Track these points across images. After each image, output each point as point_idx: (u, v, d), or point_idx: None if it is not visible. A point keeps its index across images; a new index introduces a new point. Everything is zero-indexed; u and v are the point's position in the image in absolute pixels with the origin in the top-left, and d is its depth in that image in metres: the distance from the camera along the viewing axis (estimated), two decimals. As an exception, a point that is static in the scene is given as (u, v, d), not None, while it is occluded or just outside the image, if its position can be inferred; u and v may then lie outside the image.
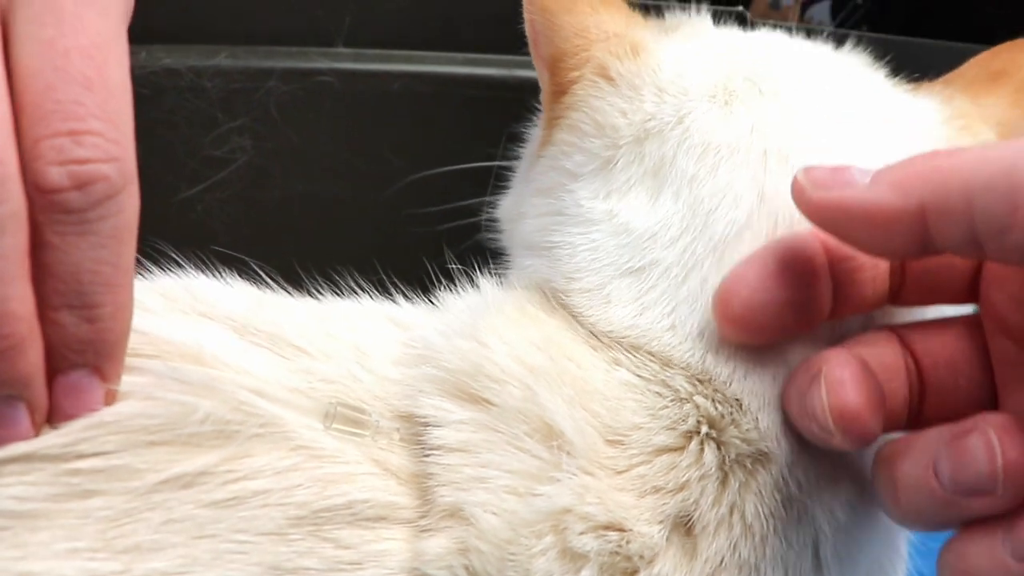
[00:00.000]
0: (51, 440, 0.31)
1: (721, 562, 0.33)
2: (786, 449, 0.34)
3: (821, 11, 0.80)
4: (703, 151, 0.36)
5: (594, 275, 0.36)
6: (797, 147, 0.36)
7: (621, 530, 0.33)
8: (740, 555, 0.33)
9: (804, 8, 0.82)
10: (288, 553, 0.31)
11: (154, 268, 0.38)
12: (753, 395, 0.34)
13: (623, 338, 0.35)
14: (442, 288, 0.40)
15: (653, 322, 0.35)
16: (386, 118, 0.66)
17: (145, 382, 0.32)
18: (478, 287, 0.39)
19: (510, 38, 0.65)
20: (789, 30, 0.43)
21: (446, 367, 0.35)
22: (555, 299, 0.37)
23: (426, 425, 0.35)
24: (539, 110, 0.44)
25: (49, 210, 0.30)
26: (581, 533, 0.32)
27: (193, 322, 0.35)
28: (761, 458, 0.34)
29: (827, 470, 0.34)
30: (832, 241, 0.33)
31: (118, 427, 0.31)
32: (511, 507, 0.33)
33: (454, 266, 0.40)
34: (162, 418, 0.32)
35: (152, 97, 0.60)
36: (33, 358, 0.31)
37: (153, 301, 0.36)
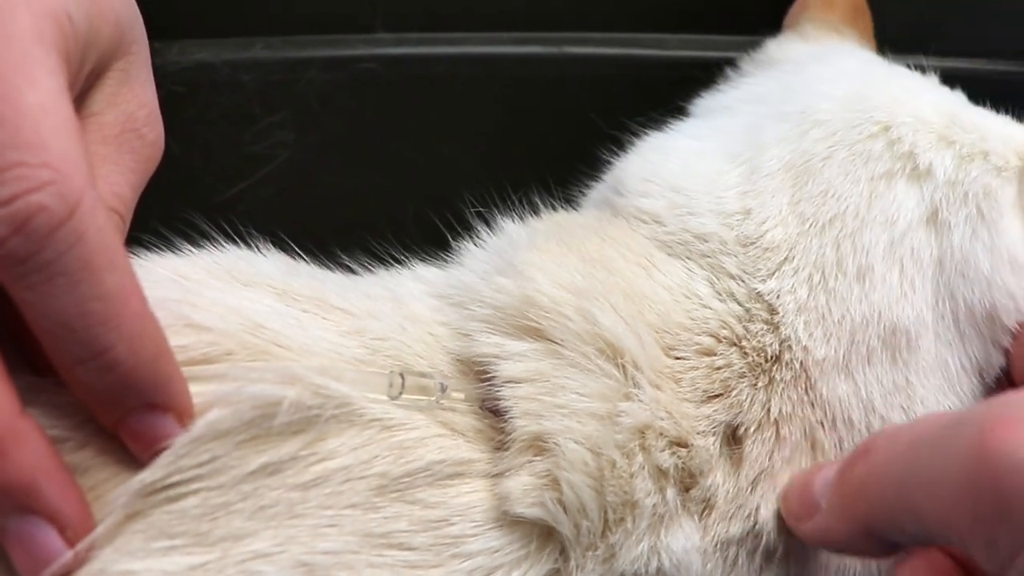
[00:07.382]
0: (148, 474, 0.30)
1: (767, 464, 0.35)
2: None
3: None
4: None
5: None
6: None
7: (687, 446, 0.33)
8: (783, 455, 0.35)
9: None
10: (378, 519, 0.31)
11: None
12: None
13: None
14: (457, 242, 0.40)
15: None
16: (433, 104, 0.63)
17: (226, 388, 0.31)
18: (500, 229, 0.40)
19: (557, 14, 0.62)
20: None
21: (493, 305, 0.36)
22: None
23: (487, 364, 0.35)
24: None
25: (3, 268, 0.27)
26: (662, 450, 0.33)
27: (236, 293, 0.35)
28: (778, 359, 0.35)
29: None
30: None
31: (212, 435, 0.31)
32: (594, 430, 0.33)
33: (471, 211, 0.40)
34: (252, 415, 0.31)
35: (187, 94, 0.57)
36: (23, 460, 0.27)
37: (196, 274, 0.35)
